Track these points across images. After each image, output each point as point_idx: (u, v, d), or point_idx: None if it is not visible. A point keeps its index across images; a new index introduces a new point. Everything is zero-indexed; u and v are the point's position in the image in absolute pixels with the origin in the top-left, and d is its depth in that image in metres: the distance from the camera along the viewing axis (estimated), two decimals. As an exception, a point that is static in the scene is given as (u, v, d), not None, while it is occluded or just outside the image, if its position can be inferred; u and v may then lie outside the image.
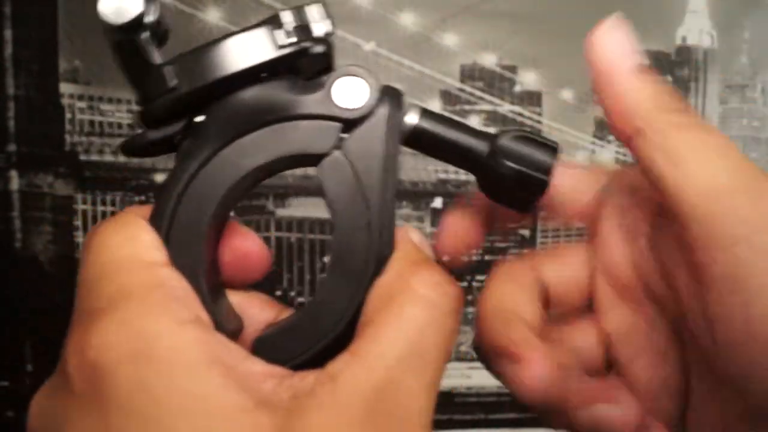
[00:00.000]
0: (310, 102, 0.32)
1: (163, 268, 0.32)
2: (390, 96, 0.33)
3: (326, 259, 1.22)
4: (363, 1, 1.13)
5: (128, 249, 0.31)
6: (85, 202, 1.19)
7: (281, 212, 1.22)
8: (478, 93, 1.21)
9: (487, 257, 1.23)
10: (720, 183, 0.29)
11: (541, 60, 1.18)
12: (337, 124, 0.32)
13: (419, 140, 0.33)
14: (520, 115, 1.23)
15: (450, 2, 1.16)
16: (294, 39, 0.32)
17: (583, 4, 1.19)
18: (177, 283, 0.31)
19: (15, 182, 1.16)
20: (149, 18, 0.34)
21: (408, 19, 1.15)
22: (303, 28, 0.32)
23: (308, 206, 1.24)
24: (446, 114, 0.33)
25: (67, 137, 1.17)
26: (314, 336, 0.32)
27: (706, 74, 1.26)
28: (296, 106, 0.32)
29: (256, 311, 0.37)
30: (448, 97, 1.20)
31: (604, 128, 1.26)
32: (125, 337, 0.29)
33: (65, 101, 1.17)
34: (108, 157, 1.18)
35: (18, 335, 1.17)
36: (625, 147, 0.32)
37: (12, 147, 1.15)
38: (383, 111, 0.32)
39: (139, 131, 0.34)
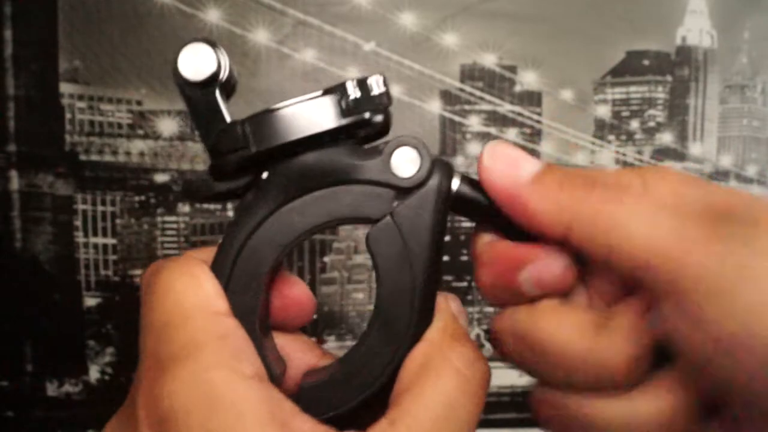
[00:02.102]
0: (367, 168, 0.34)
1: (227, 318, 0.33)
2: (441, 167, 0.35)
3: (326, 259, 1.22)
4: (363, 1, 1.13)
5: (194, 297, 0.33)
6: (85, 202, 1.19)
7: (281, 212, 1.22)
8: (478, 93, 1.21)
9: (487, 257, 1.23)
10: (659, 240, 0.30)
11: (541, 60, 1.18)
12: (391, 191, 0.34)
13: (458, 205, 0.35)
14: (520, 115, 1.23)
15: (450, 2, 1.16)
16: (357, 108, 0.34)
17: (583, 4, 1.19)
18: (240, 333, 0.33)
19: (15, 182, 1.16)
20: (222, 76, 0.36)
21: (408, 19, 1.15)
22: (365, 99, 0.34)
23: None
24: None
25: (67, 137, 1.17)
26: (354, 392, 0.34)
27: (706, 74, 1.26)
28: (355, 171, 0.34)
29: (300, 354, 0.40)
30: (448, 97, 1.20)
31: (604, 128, 1.26)
32: (197, 389, 0.30)
33: (65, 101, 1.17)
34: (108, 157, 1.18)
35: (18, 335, 1.17)
36: (566, 245, 0.32)
37: (12, 147, 1.15)
38: (434, 182, 0.34)
39: (203, 179, 0.36)
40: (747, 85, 1.27)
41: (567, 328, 0.33)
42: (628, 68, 1.24)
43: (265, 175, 0.35)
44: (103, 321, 1.20)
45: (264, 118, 0.34)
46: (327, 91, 0.34)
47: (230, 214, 1.22)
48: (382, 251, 0.34)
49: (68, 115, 1.18)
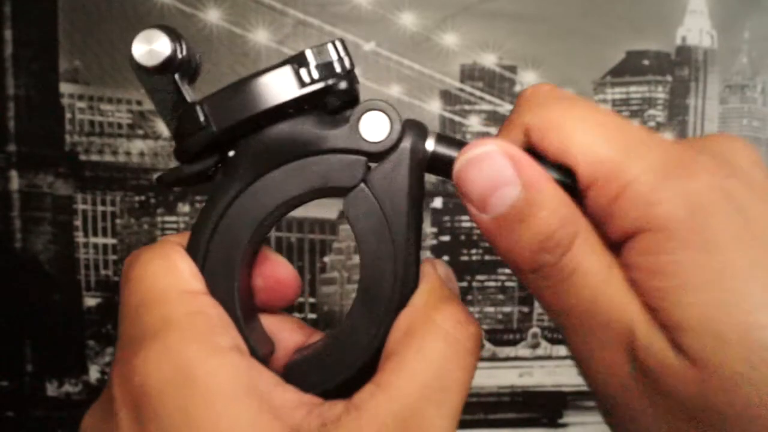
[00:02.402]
0: (336, 137, 0.33)
1: (201, 296, 0.33)
2: (412, 128, 0.34)
3: (326, 259, 1.23)
4: (363, 1, 1.13)
5: (168, 278, 0.33)
6: (85, 202, 1.19)
7: (281, 212, 1.22)
8: (478, 93, 1.21)
9: (487, 257, 1.23)
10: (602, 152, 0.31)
11: (541, 60, 1.18)
12: (363, 158, 0.33)
13: (437, 165, 0.34)
14: (520, 115, 1.23)
15: (450, 2, 1.16)
16: (317, 76, 0.33)
17: (583, 4, 1.19)
18: (215, 311, 0.33)
19: (15, 182, 1.16)
20: (179, 57, 0.36)
21: (408, 19, 1.15)
22: (326, 66, 0.33)
23: (308, 206, 1.24)
24: (456, 137, 0.34)
25: (67, 137, 1.17)
26: (342, 365, 0.34)
27: (706, 74, 1.26)
28: (323, 141, 0.33)
29: (287, 334, 0.39)
30: (448, 97, 1.20)
31: (604, 128, 1.26)
32: (168, 364, 0.30)
33: (65, 101, 1.17)
34: (108, 157, 1.18)
35: (18, 335, 1.17)
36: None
37: (12, 147, 1.15)
38: (406, 144, 0.33)
39: (175, 165, 0.35)
40: (747, 85, 1.27)
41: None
42: (628, 68, 1.24)
43: (231, 153, 0.34)
44: (103, 321, 1.20)
45: (221, 96, 0.34)
46: (285, 62, 0.33)
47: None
48: (359, 220, 0.34)
49: (68, 115, 1.18)
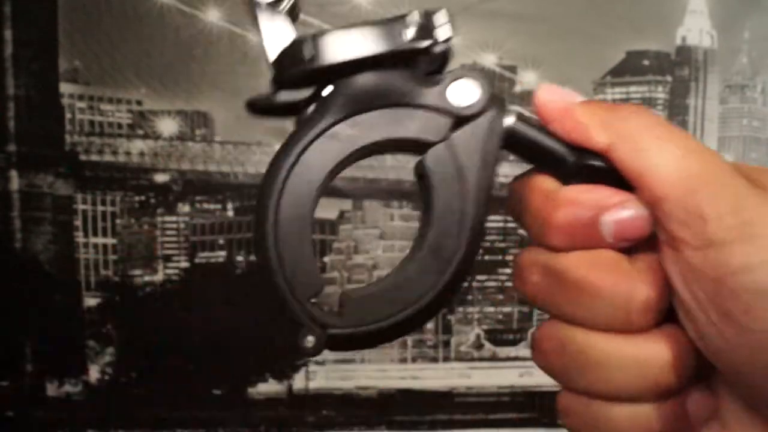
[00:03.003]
0: (427, 94, 0.36)
1: None
2: (496, 101, 0.36)
3: (326, 259, 1.23)
4: (363, 1, 1.13)
5: None
6: (85, 202, 1.19)
7: (281, 212, 1.22)
8: (478, 93, 1.21)
9: (487, 257, 1.24)
10: (684, 172, 0.32)
11: (541, 60, 1.18)
12: (448, 119, 0.35)
13: (513, 142, 0.36)
14: (520, 115, 1.23)
15: (450, 2, 1.16)
16: (420, 36, 0.36)
17: (583, 4, 1.19)
18: None
19: (15, 182, 1.16)
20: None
21: (408, 19, 1.15)
22: (428, 29, 0.36)
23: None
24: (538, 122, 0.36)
25: (67, 137, 1.17)
26: (397, 306, 0.35)
27: (706, 74, 1.26)
28: (415, 95, 0.35)
29: None
30: (448, 97, 1.20)
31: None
32: None
33: (65, 101, 1.17)
34: (108, 157, 1.18)
35: (18, 335, 1.17)
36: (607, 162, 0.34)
37: (12, 147, 1.15)
38: (489, 114, 0.35)
39: (265, 95, 0.37)
40: (747, 85, 1.27)
41: (594, 263, 0.33)
42: (628, 68, 1.24)
43: (327, 91, 0.36)
44: (103, 321, 1.20)
45: (330, 36, 0.35)
46: (392, 19, 0.36)
47: (230, 214, 1.22)
48: (437, 174, 0.35)
49: (68, 115, 1.18)
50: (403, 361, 1.23)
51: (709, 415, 0.34)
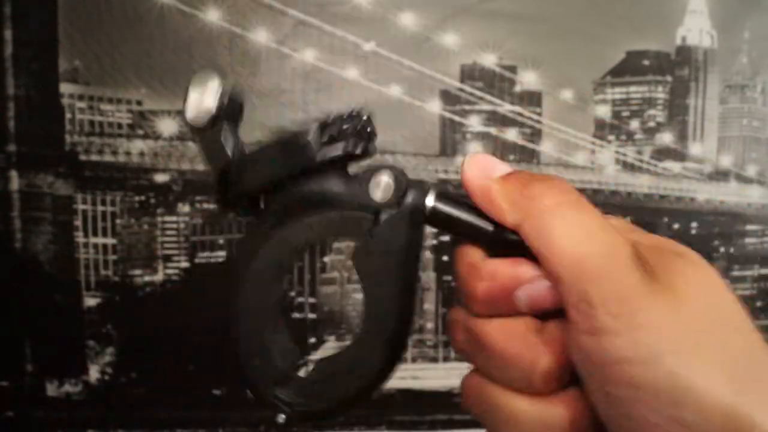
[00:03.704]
0: (348, 195, 0.39)
1: None
2: (414, 189, 0.39)
3: (326, 259, 1.23)
4: (363, 1, 1.13)
5: None
6: (85, 202, 1.19)
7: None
8: (478, 93, 1.22)
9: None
10: (579, 257, 0.34)
11: (541, 60, 1.18)
12: (370, 214, 0.38)
13: (436, 220, 0.39)
14: (520, 115, 1.23)
15: (450, 2, 1.16)
16: (336, 141, 0.38)
17: (583, 4, 1.19)
18: None
19: (15, 182, 1.16)
20: (223, 106, 0.39)
21: (408, 19, 1.15)
22: (344, 132, 0.38)
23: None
24: (459, 197, 0.39)
25: (67, 137, 1.17)
26: (347, 384, 0.40)
27: (706, 74, 1.26)
28: (337, 198, 0.39)
29: None
30: (448, 97, 1.20)
31: (604, 128, 1.26)
32: None
33: (65, 101, 1.17)
34: (108, 157, 1.19)
35: (18, 335, 1.17)
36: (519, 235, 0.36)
37: (12, 147, 1.15)
38: (406, 202, 0.38)
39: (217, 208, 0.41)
40: (747, 85, 1.27)
41: (506, 333, 0.37)
42: (628, 68, 1.24)
43: (261, 204, 0.39)
44: (103, 321, 1.20)
45: (248, 162, 0.39)
46: (304, 131, 0.39)
47: (230, 214, 1.22)
48: (363, 271, 0.39)
49: (68, 115, 1.18)
50: (403, 361, 1.23)
51: None
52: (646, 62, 1.24)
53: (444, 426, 1.22)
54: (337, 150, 0.38)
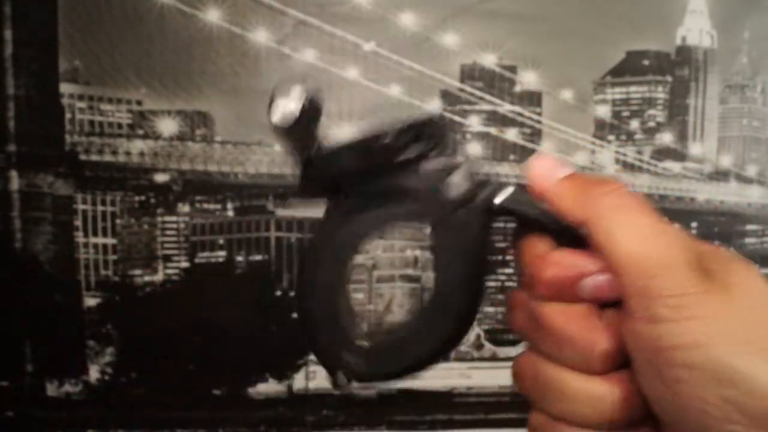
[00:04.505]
0: (425, 191, 0.42)
1: None
2: (485, 187, 0.42)
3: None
4: (363, 1, 1.13)
5: None
6: (85, 202, 1.19)
7: (281, 212, 1.22)
8: (478, 93, 1.22)
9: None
10: (641, 256, 0.37)
11: (541, 60, 1.18)
12: (447, 206, 0.42)
13: (507, 215, 0.42)
14: (520, 115, 1.23)
15: (450, 2, 1.16)
16: (419, 145, 0.42)
17: (583, 4, 1.19)
18: None
19: (15, 182, 1.16)
20: (306, 109, 0.42)
21: (408, 19, 1.15)
22: (425, 135, 0.42)
23: (309, 206, 1.23)
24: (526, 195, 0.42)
25: (67, 137, 1.17)
26: (410, 354, 0.44)
27: (706, 74, 1.26)
28: (413, 192, 0.42)
29: None
30: (448, 97, 1.20)
31: (604, 128, 1.26)
32: None
33: (65, 101, 1.17)
34: (108, 157, 1.19)
35: (18, 335, 1.17)
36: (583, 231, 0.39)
37: (12, 147, 1.15)
38: (478, 199, 0.42)
39: (301, 189, 0.44)
40: (747, 85, 1.27)
41: (568, 315, 0.40)
42: (628, 68, 1.24)
43: (342, 192, 0.43)
44: (103, 321, 1.20)
45: (333, 155, 0.42)
46: (381, 135, 0.42)
47: (230, 213, 1.22)
48: (438, 250, 0.43)
49: (68, 115, 1.18)
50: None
51: None
52: (646, 62, 1.24)
53: (444, 426, 1.22)
54: (413, 152, 0.42)
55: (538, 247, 0.41)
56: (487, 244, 0.43)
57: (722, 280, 0.36)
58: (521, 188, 0.43)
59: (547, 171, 0.41)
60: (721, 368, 0.34)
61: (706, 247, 0.39)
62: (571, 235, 0.40)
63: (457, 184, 0.42)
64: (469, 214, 0.42)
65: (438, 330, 0.44)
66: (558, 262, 0.40)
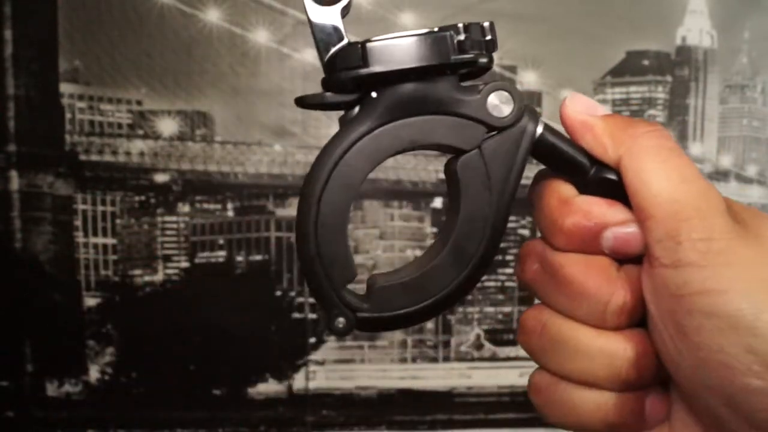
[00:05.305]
0: (465, 104, 0.39)
1: None
2: (530, 113, 0.39)
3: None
4: (363, 1, 1.13)
5: None
6: (85, 202, 1.19)
7: (281, 212, 1.22)
8: (478, 93, 1.21)
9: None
10: (673, 197, 0.36)
11: (541, 60, 1.18)
12: (483, 128, 0.39)
13: (539, 151, 0.40)
14: (520, 115, 1.23)
15: (450, 2, 1.16)
16: (469, 49, 0.39)
17: (583, 4, 1.19)
18: None
19: (15, 182, 1.16)
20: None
21: (408, 19, 1.15)
22: (475, 41, 0.39)
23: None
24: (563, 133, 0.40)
25: (67, 137, 1.17)
26: (420, 296, 0.39)
27: (706, 74, 1.26)
28: (454, 104, 0.39)
29: None
30: (448, 97, 1.20)
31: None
32: None
33: (65, 101, 1.17)
34: (108, 157, 1.19)
35: (18, 335, 1.17)
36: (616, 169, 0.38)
37: (12, 147, 1.15)
38: (522, 124, 0.39)
39: (317, 94, 0.40)
40: (747, 85, 1.27)
41: (587, 265, 0.38)
42: (628, 68, 1.24)
43: (374, 94, 0.39)
44: (103, 321, 1.20)
45: (383, 44, 0.38)
46: (442, 29, 0.38)
47: (230, 213, 1.22)
48: (466, 180, 0.39)
49: (68, 115, 1.18)
50: (403, 361, 1.23)
51: (662, 418, 0.38)
52: (646, 62, 1.24)
53: (444, 426, 1.22)
54: (471, 55, 0.38)
55: (563, 191, 0.39)
56: (519, 180, 0.39)
57: (754, 230, 0.35)
58: (550, 128, 0.40)
59: (584, 107, 0.39)
60: (744, 317, 0.33)
61: (736, 202, 0.37)
62: (603, 180, 0.38)
63: (504, 102, 0.39)
64: (510, 140, 0.39)
65: (452, 271, 0.39)
66: (582, 209, 0.38)
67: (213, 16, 1.13)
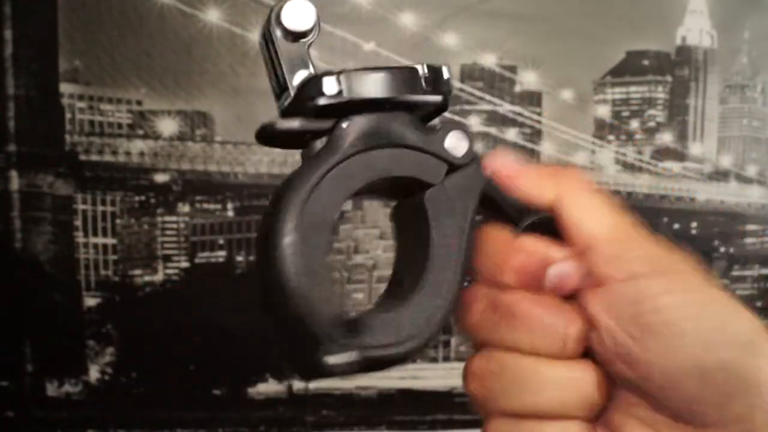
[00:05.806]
0: (428, 140, 0.40)
1: None
2: (477, 155, 0.41)
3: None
4: (363, 1, 1.13)
5: None
6: (85, 202, 1.19)
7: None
8: (478, 93, 1.22)
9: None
10: (608, 226, 0.39)
11: (541, 60, 1.18)
12: (445, 165, 0.40)
13: (488, 191, 0.41)
14: (520, 115, 1.23)
15: (450, 2, 1.16)
16: (434, 89, 0.40)
17: (583, 4, 1.19)
18: None
19: (15, 182, 1.16)
20: (315, 33, 0.41)
21: (408, 19, 1.15)
22: (441, 81, 0.40)
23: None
24: None
25: (67, 137, 1.17)
26: (404, 338, 0.39)
27: (706, 74, 1.26)
28: (417, 140, 0.40)
29: None
30: (448, 97, 1.20)
31: (604, 128, 1.26)
32: None
33: (65, 101, 1.17)
34: (108, 157, 1.19)
35: (18, 335, 1.17)
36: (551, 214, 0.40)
37: (12, 147, 1.15)
38: (476, 165, 0.41)
39: (272, 122, 0.40)
40: (747, 85, 1.27)
41: (537, 300, 0.39)
42: (628, 68, 1.24)
43: (345, 124, 0.39)
44: (103, 321, 1.20)
45: (357, 73, 0.39)
46: (407, 68, 0.40)
47: (230, 213, 1.22)
48: (436, 210, 0.40)
49: (68, 115, 1.18)
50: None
51: None
52: (646, 62, 1.24)
53: (444, 426, 1.22)
54: (437, 98, 0.40)
55: (505, 233, 0.41)
56: (474, 220, 0.41)
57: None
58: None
59: (510, 162, 0.42)
60: (707, 304, 0.37)
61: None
62: (534, 225, 0.40)
63: (461, 143, 0.41)
64: (468, 177, 0.41)
65: (431, 308, 0.39)
66: (526, 249, 0.40)
67: (213, 16, 1.13)
